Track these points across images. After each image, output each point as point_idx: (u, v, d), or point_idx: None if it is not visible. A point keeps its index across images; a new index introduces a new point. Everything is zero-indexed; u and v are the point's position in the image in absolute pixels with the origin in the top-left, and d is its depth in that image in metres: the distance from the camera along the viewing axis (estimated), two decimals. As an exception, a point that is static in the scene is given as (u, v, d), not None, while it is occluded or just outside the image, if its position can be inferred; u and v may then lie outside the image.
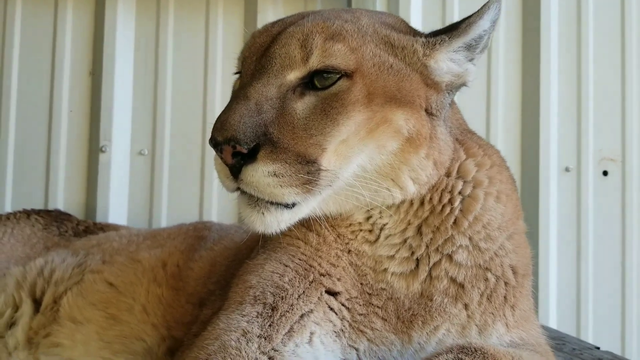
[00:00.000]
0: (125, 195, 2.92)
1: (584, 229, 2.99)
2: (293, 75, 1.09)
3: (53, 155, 2.98)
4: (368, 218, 1.22)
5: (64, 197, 2.96)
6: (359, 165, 1.11)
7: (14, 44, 3.06)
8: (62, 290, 1.61)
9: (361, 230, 1.23)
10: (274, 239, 1.27)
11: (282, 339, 1.05)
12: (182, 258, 1.58)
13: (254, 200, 1.09)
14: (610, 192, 3.02)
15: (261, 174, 1.03)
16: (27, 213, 2.31)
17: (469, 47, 1.18)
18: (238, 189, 1.10)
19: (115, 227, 2.19)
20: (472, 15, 1.16)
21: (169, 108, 2.96)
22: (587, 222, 2.99)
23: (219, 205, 2.94)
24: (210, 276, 1.49)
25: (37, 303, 1.64)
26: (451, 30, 1.17)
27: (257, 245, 1.46)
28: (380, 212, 1.21)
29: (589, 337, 2.88)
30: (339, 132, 1.06)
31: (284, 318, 1.07)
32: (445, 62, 1.17)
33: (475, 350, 0.98)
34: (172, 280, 1.51)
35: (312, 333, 1.09)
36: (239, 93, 1.09)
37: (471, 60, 1.20)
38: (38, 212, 2.33)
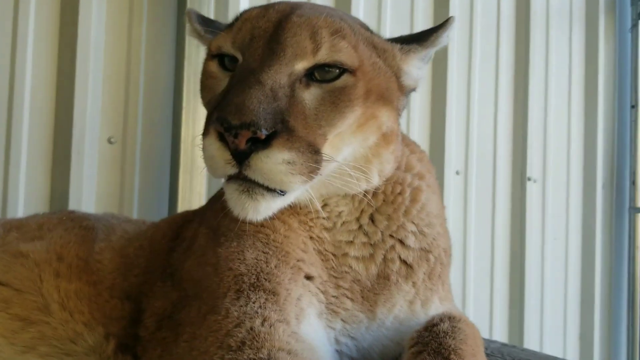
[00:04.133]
0: None
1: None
2: (301, 65, 1.10)
3: None
4: (324, 206, 1.29)
5: None
6: (344, 156, 1.18)
7: None
8: None
9: (318, 217, 1.29)
10: (227, 226, 1.24)
11: (294, 322, 1.06)
12: (81, 250, 1.38)
13: (247, 187, 1.07)
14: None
15: (274, 161, 1.02)
16: None
17: (424, 58, 1.34)
18: (231, 176, 1.07)
19: None
20: (439, 29, 1.30)
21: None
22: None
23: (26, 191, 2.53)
24: (130, 268, 1.35)
25: None
26: (420, 40, 1.30)
27: (188, 233, 1.38)
28: (337, 201, 1.29)
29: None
30: (343, 124, 1.12)
31: (287, 302, 1.08)
32: (414, 67, 1.30)
33: (459, 319, 1.15)
34: (84, 275, 1.32)
35: (309, 315, 1.12)
36: (250, 77, 1.05)
37: (420, 68, 1.36)
38: None
